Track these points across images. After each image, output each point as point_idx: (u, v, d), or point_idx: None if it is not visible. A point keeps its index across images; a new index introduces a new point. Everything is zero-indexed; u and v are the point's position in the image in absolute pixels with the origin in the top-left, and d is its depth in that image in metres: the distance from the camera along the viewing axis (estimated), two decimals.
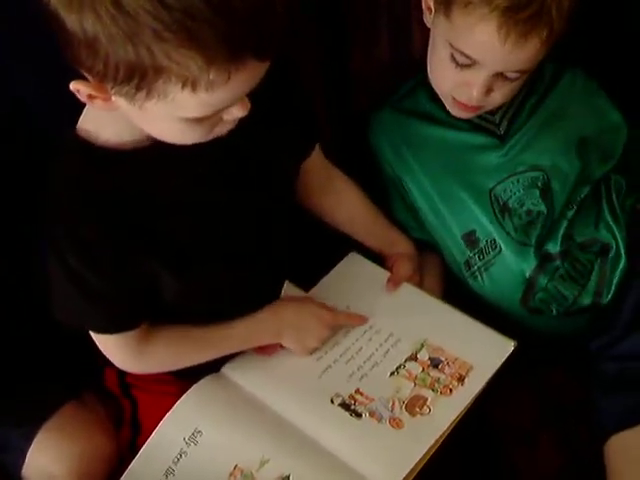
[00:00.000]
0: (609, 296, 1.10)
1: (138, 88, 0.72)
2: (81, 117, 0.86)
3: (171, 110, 0.75)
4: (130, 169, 0.85)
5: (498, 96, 1.04)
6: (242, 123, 0.82)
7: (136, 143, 0.85)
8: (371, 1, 1.14)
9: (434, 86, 1.09)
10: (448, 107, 1.09)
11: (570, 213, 1.11)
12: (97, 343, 0.96)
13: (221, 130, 0.82)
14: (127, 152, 0.85)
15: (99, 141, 0.85)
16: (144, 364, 0.99)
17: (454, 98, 1.06)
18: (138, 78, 0.71)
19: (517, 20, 0.93)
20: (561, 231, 1.10)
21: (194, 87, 0.71)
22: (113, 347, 0.96)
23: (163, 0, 0.67)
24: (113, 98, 0.76)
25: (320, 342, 1.02)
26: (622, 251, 1.11)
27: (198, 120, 0.77)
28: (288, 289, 1.05)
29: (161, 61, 0.69)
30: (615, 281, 1.11)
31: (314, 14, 1.12)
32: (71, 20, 0.70)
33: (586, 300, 1.10)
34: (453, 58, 1.01)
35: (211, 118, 0.78)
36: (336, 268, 1.12)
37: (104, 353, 0.97)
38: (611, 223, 1.12)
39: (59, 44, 0.73)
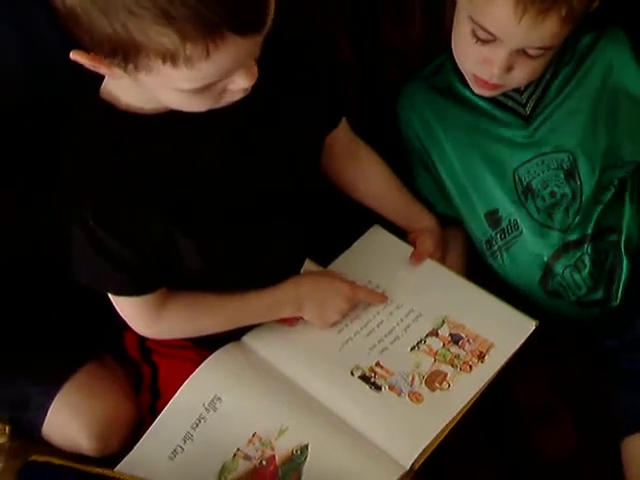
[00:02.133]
0: (619, 294, 1.09)
1: (125, 61, 0.72)
2: (104, 83, 0.86)
3: (163, 82, 0.74)
4: (151, 135, 0.85)
5: (519, 74, 1.03)
6: (266, 91, 0.80)
7: (155, 110, 0.84)
8: None
9: (457, 62, 1.08)
10: (470, 84, 1.08)
11: (605, 197, 1.09)
12: (115, 305, 0.95)
13: (231, 98, 0.80)
14: (148, 117, 0.84)
15: (121, 105, 0.85)
16: (160, 328, 0.99)
17: (475, 75, 1.05)
18: (121, 53, 0.71)
19: None
20: (595, 215, 1.08)
21: (174, 62, 0.71)
22: (130, 309, 0.96)
23: None
24: (114, 69, 0.75)
25: (340, 315, 1.01)
26: (623, 250, 1.09)
27: (196, 91, 0.76)
28: (309, 266, 1.04)
29: (137, 36, 0.69)
30: (623, 279, 1.09)
31: None
32: None
33: (598, 293, 1.09)
34: (474, 33, 1.00)
35: (211, 88, 0.77)
36: (358, 241, 1.11)
37: (121, 315, 0.96)
38: (624, 219, 1.10)
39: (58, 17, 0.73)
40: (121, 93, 0.84)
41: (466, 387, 0.95)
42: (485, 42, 1.00)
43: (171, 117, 0.83)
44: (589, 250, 1.08)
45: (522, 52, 1.00)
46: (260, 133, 0.91)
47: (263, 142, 0.91)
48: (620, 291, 1.09)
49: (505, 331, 1.00)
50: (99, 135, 0.85)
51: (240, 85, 0.77)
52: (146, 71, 0.73)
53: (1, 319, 1.03)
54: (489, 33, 0.98)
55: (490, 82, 1.04)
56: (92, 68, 0.76)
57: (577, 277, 1.08)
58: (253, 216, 0.93)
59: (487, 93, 1.08)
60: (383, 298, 1.04)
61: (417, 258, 1.09)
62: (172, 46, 0.69)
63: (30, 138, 0.98)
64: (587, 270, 1.08)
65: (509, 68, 1.01)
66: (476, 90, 1.08)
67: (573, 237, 1.08)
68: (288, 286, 1.00)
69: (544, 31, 0.96)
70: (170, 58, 0.70)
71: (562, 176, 1.09)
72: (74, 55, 0.75)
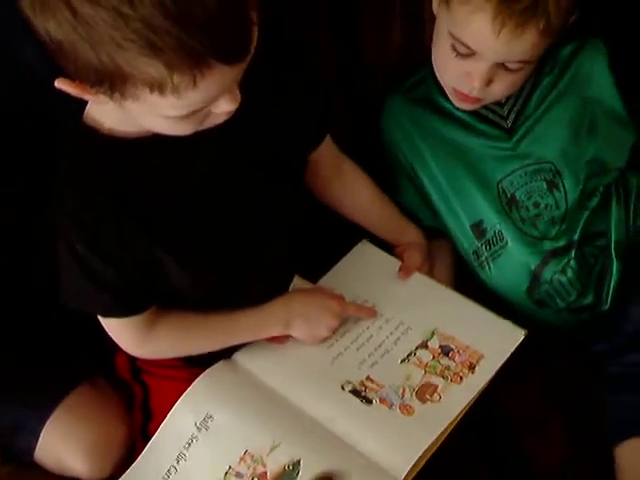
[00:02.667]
0: (609, 299, 1.09)
1: (112, 90, 0.72)
2: (88, 105, 0.86)
3: (149, 109, 0.74)
4: (134, 157, 0.85)
5: (499, 88, 1.03)
6: (250, 110, 0.81)
7: (137, 133, 0.84)
8: None
9: (438, 76, 1.08)
10: (450, 97, 1.09)
11: (592, 203, 1.09)
12: (104, 326, 0.95)
13: (215, 121, 0.80)
14: (131, 141, 0.85)
15: (104, 130, 0.85)
16: (149, 349, 0.99)
17: (455, 89, 1.06)
18: (108, 82, 0.71)
19: (512, 11, 0.93)
20: (575, 223, 1.09)
21: (161, 91, 0.71)
22: (119, 330, 0.96)
23: (121, 10, 0.66)
24: (99, 96, 0.75)
25: (329, 332, 1.01)
26: (613, 253, 1.09)
27: (182, 117, 0.76)
28: (297, 283, 1.04)
29: (124, 68, 0.69)
30: (612, 284, 1.09)
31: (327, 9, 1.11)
32: (38, 24, 0.70)
33: (588, 298, 1.09)
34: (454, 48, 1.01)
35: (196, 114, 0.77)
36: (347, 256, 1.11)
37: (111, 336, 0.96)
38: (612, 222, 1.10)
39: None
40: (105, 118, 0.84)
41: (457, 398, 0.95)
42: (465, 56, 1.00)
43: (154, 140, 0.83)
44: (577, 255, 1.08)
45: (502, 66, 1.00)
46: (244, 152, 0.91)
47: (247, 161, 0.91)
48: (610, 295, 1.09)
49: (494, 341, 1.00)
50: (83, 158, 0.85)
51: (224, 109, 0.78)
52: (132, 99, 0.73)
53: None
54: (468, 48, 0.99)
55: (470, 95, 1.05)
56: (77, 95, 0.76)
57: (565, 283, 1.09)
58: (239, 235, 0.93)
59: (468, 106, 1.09)
60: (372, 312, 1.04)
61: (405, 272, 1.09)
62: (159, 76, 0.69)
63: (20, 154, 0.98)
64: (575, 275, 1.08)
65: (489, 82, 1.02)
66: (457, 104, 1.09)
67: (560, 244, 1.08)
68: (276, 305, 1.00)
69: (523, 44, 0.96)
70: (158, 87, 0.70)
71: (545, 187, 1.09)
72: (59, 83, 0.75)
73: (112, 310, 0.93)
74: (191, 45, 0.68)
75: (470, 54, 1.00)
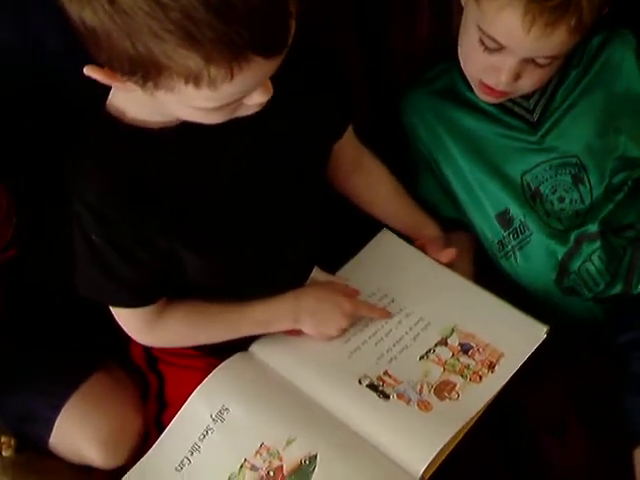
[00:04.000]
0: (639, 287, 1.07)
1: (144, 80, 0.70)
2: (110, 94, 0.84)
3: (181, 100, 0.73)
4: (154, 149, 0.83)
5: (527, 83, 1.02)
6: (274, 102, 0.79)
7: (162, 123, 0.83)
8: None
9: (463, 68, 1.06)
10: (475, 90, 1.07)
11: (618, 197, 1.07)
12: (113, 313, 0.94)
13: (245, 112, 0.79)
14: (152, 131, 0.83)
15: (126, 119, 0.83)
16: (156, 337, 0.98)
17: (481, 81, 1.04)
18: (142, 72, 0.69)
19: (543, 7, 0.91)
20: (602, 213, 1.07)
21: (197, 84, 0.69)
22: (128, 318, 0.95)
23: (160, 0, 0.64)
24: (128, 83, 0.74)
25: (338, 331, 0.98)
26: None
27: (213, 109, 0.74)
28: (316, 274, 1.02)
29: (160, 59, 0.67)
30: None
31: None
32: (72, 11, 0.69)
33: (616, 288, 1.07)
34: (482, 42, 0.99)
35: (229, 106, 0.75)
36: (367, 246, 1.08)
37: (119, 323, 0.95)
38: None
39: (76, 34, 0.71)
40: (128, 106, 0.83)
41: (476, 397, 0.93)
42: (493, 51, 0.99)
43: (179, 131, 0.82)
44: (604, 246, 1.06)
45: (530, 61, 0.99)
46: (268, 145, 0.89)
47: (271, 153, 0.90)
48: None
49: (516, 339, 0.97)
50: (104, 149, 0.84)
51: (256, 101, 0.76)
52: (166, 90, 0.71)
53: (6, 330, 1.01)
54: (497, 42, 0.97)
55: (497, 89, 1.03)
56: (105, 82, 0.75)
57: (594, 273, 1.07)
58: (261, 227, 0.92)
59: (493, 100, 1.07)
60: (386, 314, 1.01)
61: (446, 256, 1.05)
62: (196, 69, 0.68)
63: (34, 140, 0.97)
64: (604, 266, 1.06)
65: (517, 76, 1.00)
66: (481, 97, 1.07)
67: (585, 234, 1.06)
68: (287, 299, 0.98)
69: (553, 41, 0.94)
70: (193, 80, 0.69)
71: (570, 181, 1.08)
72: (88, 71, 0.73)
73: (123, 300, 0.92)
74: (231, 38, 0.66)
75: (498, 49, 0.98)
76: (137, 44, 0.67)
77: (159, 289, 0.92)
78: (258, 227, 0.91)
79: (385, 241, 1.10)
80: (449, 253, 1.05)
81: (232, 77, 0.69)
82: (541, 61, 0.99)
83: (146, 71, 0.69)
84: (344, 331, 0.99)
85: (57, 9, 0.70)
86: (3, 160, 0.96)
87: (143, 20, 0.65)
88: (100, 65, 0.73)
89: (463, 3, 1.02)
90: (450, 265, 1.08)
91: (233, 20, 0.65)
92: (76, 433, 0.98)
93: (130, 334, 0.97)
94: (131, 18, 0.65)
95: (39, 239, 1.01)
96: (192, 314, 0.97)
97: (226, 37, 0.66)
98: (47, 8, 0.77)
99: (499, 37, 0.96)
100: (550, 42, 0.94)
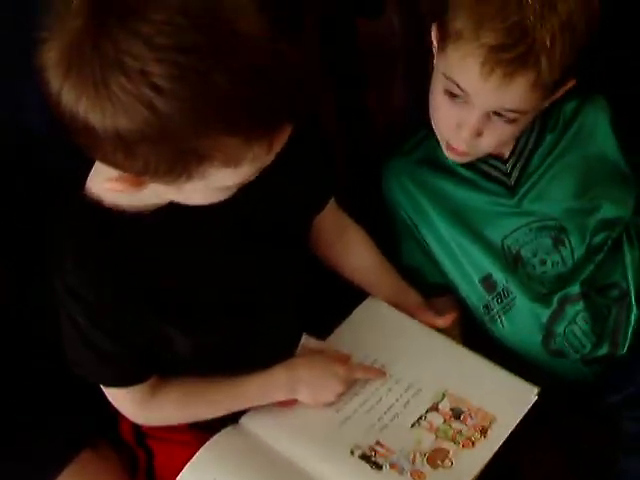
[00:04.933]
0: (626, 346, 1.07)
1: (178, 176, 0.70)
2: (90, 176, 0.83)
3: (209, 184, 0.72)
4: (137, 231, 0.83)
5: (489, 140, 1.02)
6: (255, 179, 0.79)
7: (139, 207, 0.82)
8: (388, 51, 1.13)
9: (434, 126, 1.07)
10: (444, 150, 1.07)
11: (598, 257, 1.07)
12: (106, 394, 0.93)
13: (244, 184, 0.79)
14: (134, 214, 0.82)
15: (106, 202, 0.82)
16: (152, 416, 0.96)
17: (448, 142, 1.05)
18: (180, 169, 0.69)
19: (501, 59, 0.92)
20: (584, 274, 1.07)
21: (237, 164, 0.70)
22: (121, 399, 0.93)
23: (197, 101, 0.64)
24: (146, 184, 0.73)
25: (335, 397, 0.97)
26: (633, 299, 1.07)
27: (235, 184, 0.75)
28: (306, 341, 1.01)
29: (204, 151, 0.67)
30: (630, 330, 1.07)
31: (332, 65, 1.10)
32: (104, 125, 0.66)
33: (603, 349, 1.07)
34: (447, 91, 1.00)
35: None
36: (355, 312, 1.07)
37: (112, 403, 0.94)
38: (628, 269, 1.09)
39: (83, 146, 0.70)
40: (107, 195, 0.82)
41: (469, 464, 0.91)
42: (457, 101, 0.99)
43: (155, 214, 0.82)
44: (587, 307, 1.06)
45: (492, 115, 0.99)
46: (248, 222, 0.89)
47: (251, 231, 0.89)
48: (628, 343, 1.07)
49: (507, 402, 0.96)
50: (83, 231, 0.83)
51: (262, 167, 0.76)
52: (198, 178, 0.71)
53: None
54: (460, 89, 0.98)
55: (459, 149, 1.04)
56: (122, 191, 0.74)
57: (580, 335, 1.06)
58: (244, 302, 0.91)
59: (459, 159, 1.07)
60: (381, 373, 1.00)
61: (447, 320, 1.04)
62: (240, 151, 0.68)
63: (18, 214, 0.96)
64: (589, 327, 1.06)
65: (479, 133, 1.01)
66: (448, 156, 1.07)
67: (568, 296, 1.06)
68: (280, 370, 0.96)
69: (511, 93, 0.95)
70: (234, 162, 0.69)
71: (551, 243, 1.08)
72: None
73: (113, 381, 0.91)
74: (274, 113, 0.67)
75: (462, 96, 0.98)
76: (181, 145, 0.66)
77: (147, 368, 0.91)
78: (243, 302, 0.91)
79: (372, 307, 1.09)
80: (447, 319, 1.04)
81: (270, 149, 0.70)
82: (503, 115, 0.99)
83: (184, 167, 0.69)
84: (341, 396, 0.97)
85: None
86: None
87: (185, 121, 0.65)
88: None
89: (434, 59, 1.04)
90: (438, 329, 1.07)
91: (271, 100, 0.67)
92: None
93: (124, 414, 0.95)
94: (172, 121, 0.65)
95: (22, 313, 1.00)
96: (186, 392, 0.95)
97: (268, 114, 0.67)
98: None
99: (462, 83, 0.97)
100: (509, 94, 0.95)
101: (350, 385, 0.98)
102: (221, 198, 0.78)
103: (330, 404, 0.97)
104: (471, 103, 0.98)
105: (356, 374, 0.99)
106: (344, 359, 1.00)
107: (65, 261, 0.83)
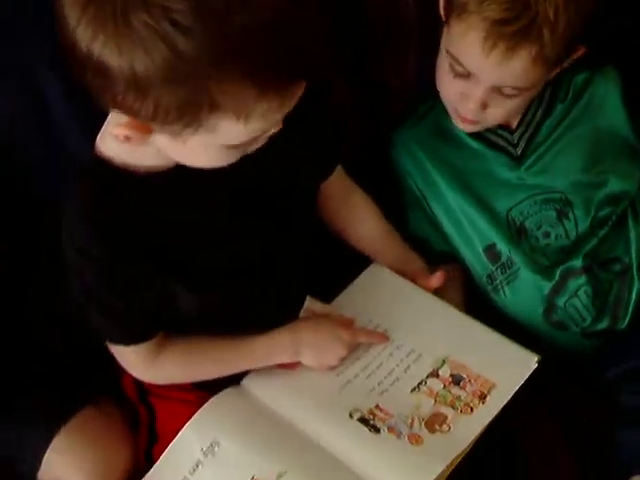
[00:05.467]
0: (626, 321, 1.07)
1: (187, 125, 0.69)
2: (99, 136, 0.83)
3: (215, 139, 0.72)
4: (145, 191, 0.83)
5: (495, 113, 1.01)
6: (263, 145, 0.79)
7: (149, 167, 0.82)
8: (402, 21, 1.12)
9: (441, 96, 1.06)
10: (452, 119, 1.07)
11: (602, 232, 1.07)
12: (112, 350, 0.94)
13: (252, 148, 0.78)
14: (143, 174, 0.82)
15: (116, 162, 0.82)
16: (156, 374, 0.96)
17: (456, 109, 1.04)
18: (190, 116, 0.68)
19: (504, 33, 0.91)
20: (587, 248, 1.06)
21: (247, 118, 0.69)
22: (126, 356, 0.94)
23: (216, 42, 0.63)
24: (154, 136, 0.72)
25: (339, 361, 0.97)
26: (635, 274, 1.07)
27: (240, 144, 0.74)
28: (310, 303, 1.00)
29: (217, 98, 0.66)
30: (632, 305, 1.07)
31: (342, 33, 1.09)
32: (120, 63, 0.65)
33: (603, 323, 1.07)
34: (452, 68, 0.99)
35: (252, 140, 0.75)
36: (359, 278, 1.07)
37: (117, 359, 0.94)
38: (632, 244, 1.08)
39: (91, 90, 0.69)
40: (118, 150, 0.81)
41: (467, 430, 0.91)
42: (462, 77, 0.99)
43: (165, 175, 0.82)
44: (590, 281, 1.05)
45: (497, 90, 0.98)
46: (256, 187, 0.88)
47: (259, 195, 0.89)
48: (628, 318, 1.07)
49: (507, 369, 0.96)
50: (93, 191, 0.83)
51: (269, 133, 0.76)
52: (206, 131, 0.70)
53: None
54: (463, 67, 0.97)
55: (467, 117, 1.03)
56: (122, 140, 0.73)
57: (581, 308, 1.06)
58: (252, 265, 0.91)
59: (467, 128, 1.07)
60: (384, 338, 1.00)
61: (438, 280, 1.03)
62: (252, 103, 0.67)
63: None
64: (590, 301, 1.05)
65: (484, 105, 1.00)
66: (457, 124, 1.07)
67: (570, 270, 1.06)
68: (284, 333, 0.96)
69: (514, 69, 0.94)
70: (244, 115, 0.68)
71: (555, 216, 1.07)
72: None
73: (120, 338, 0.91)
74: (290, 67, 0.67)
75: (466, 75, 0.98)
76: (195, 87, 0.65)
77: (153, 326, 0.92)
78: (249, 263, 0.91)
79: (376, 273, 1.08)
80: (438, 277, 1.03)
81: (281, 107, 0.69)
82: (507, 91, 0.98)
83: (195, 114, 0.67)
84: (344, 360, 0.97)
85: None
86: None
87: (202, 61, 0.64)
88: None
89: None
90: (441, 295, 1.07)
91: (291, 51, 0.66)
92: (65, 468, 0.96)
93: (129, 371, 0.96)
94: (190, 64, 0.64)
95: (30, 266, 1.01)
96: (190, 351, 0.95)
97: (285, 68, 0.66)
98: None
99: (464, 61, 0.97)
100: (511, 69, 0.94)
101: (353, 349, 0.98)
102: (225, 162, 0.77)
103: (333, 368, 0.97)
104: (474, 79, 0.98)
105: (359, 338, 0.99)
106: (348, 323, 1.00)
107: (74, 218, 0.83)
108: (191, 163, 0.78)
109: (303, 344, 0.96)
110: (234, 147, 0.75)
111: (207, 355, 0.96)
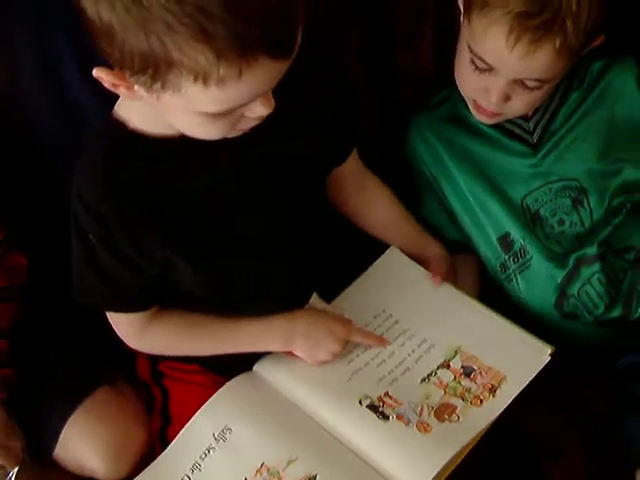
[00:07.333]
0: (639, 311, 1.04)
1: (153, 79, 0.69)
2: (117, 103, 0.83)
3: (187, 104, 0.71)
4: (154, 158, 0.82)
5: (517, 105, 0.99)
6: (278, 121, 0.77)
7: (163, 135, 0.81)
8: (418, 7, 1.09)
9: (459, 88, 1.04)
10: (471, 109, 1.04)
11: (617, 220, 1.04)
12: (107, 315, 0.93)
13: (245, 126, 0.77)
14: (154, 140, 0.81)
15: (129, 127, 0.82)
16: (146, 343, 0.96)
17: (475, 101, 1.02)
18: (152, 69, 0.68)
19: (528, 26, 0.89)
20: (601, 236, 1.04)
21: (205, 81, 0.68)
22: (120, 322, 0.93)
23: None
24: (135, 87, 0.72)
25: (331, 356, 0.94)
26: None
27: (217, 115, 0.73)
28: (314, 302, 0.98)
29: (172, 53, 0.66)
30: None
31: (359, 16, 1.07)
32: (89, 7, 0.68)
33: (616, 311, 1.04)
34: (473, 62, 0.97)
35: (231, 114, 0.74)
36: (375, 264, 1.05)
37: (111, 324, 0.93)
38: None
39: (94, 40, 0.71)
40: (132, 115, 0.81)
41: (476, 420, 0.89)
42: (483, 71, 0.97)
43: (179, 143, 0.80)
44: (603, 269, 1.03)
45: (520, 82, 0.96)
46: (265, 164, 0.87)
47: (267, 173, 0.87)
48: None
49: (519, 361, 0.94)
50: (106, 153, 0.83)
51: (257, 112, 0.75)
52: (173, 90, 0.69)
53: (17, 343, 0.99)
54: (485, 63, 0.95)
55: (488, 109, 1.01)
56: (111, 88, 0.73)
57: (594, 296, 1.04)
58: (255, 245, 0.89)
59: (487, 120, 1.04)
60: (381, 341, 0.97)
61: (438, 278, 1.02)
62: (207, 64, 0.66)
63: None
64: (604, 288, 1.03)
65: (506, 98, 0.98)
66: (476, 116, 1.05)
67: (584, 258, 1.03)
68: (279, 319, 0.94)
69: (537, 61, 0.92)
70: (202, 77, 0.67)
71: (570, 204, 1.05)
72: (97, 72, 0.72)
73: (116, 304, 0.90)
74: (242, 34, 0.65)
75: (487, 69, 0.96)
76: (150, 37, 0.66)
77: (152, 296, 0.91)
78: (252, 242, 0.89)
79: (393, 259, 1.06)
80: (436, 279, 1.02)
81: (240, 75, 0.67)
82: (529, 83, 0.96)
83: (156, 68, 0.68)
84: (336, 356, 0.95)
85: None
86: None
87: (158, 12, 0.64)
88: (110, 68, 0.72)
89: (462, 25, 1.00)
90: (454, 284, 1.05)
91: (245, 17, 0.65)
92: (80, 445, 0.96)
93: (121, 337, 0.95)
94: (147, 10, 0.65)
95: (48, 249, 1.00)
96: (182, 324, 0.94)
97: (238, 33, 0.65)
98: None
99: (486, 57, 0.95)
100: (535, 62, 0.92)
101: (347, 346, 0.96)
102: (213, 134, 0.76)
103: (324, 362, 0.95)
104: (496, 73, 0.96)
105: (355, 337, 0.96)
106: (345, 321, 0.97)
107: (85, 179, 0.83)
108: (179, 127, 0.78)
109: (297, 333, 0.94)
110: (212, 117, 0.73)
111: (199, 329, 0.95)
